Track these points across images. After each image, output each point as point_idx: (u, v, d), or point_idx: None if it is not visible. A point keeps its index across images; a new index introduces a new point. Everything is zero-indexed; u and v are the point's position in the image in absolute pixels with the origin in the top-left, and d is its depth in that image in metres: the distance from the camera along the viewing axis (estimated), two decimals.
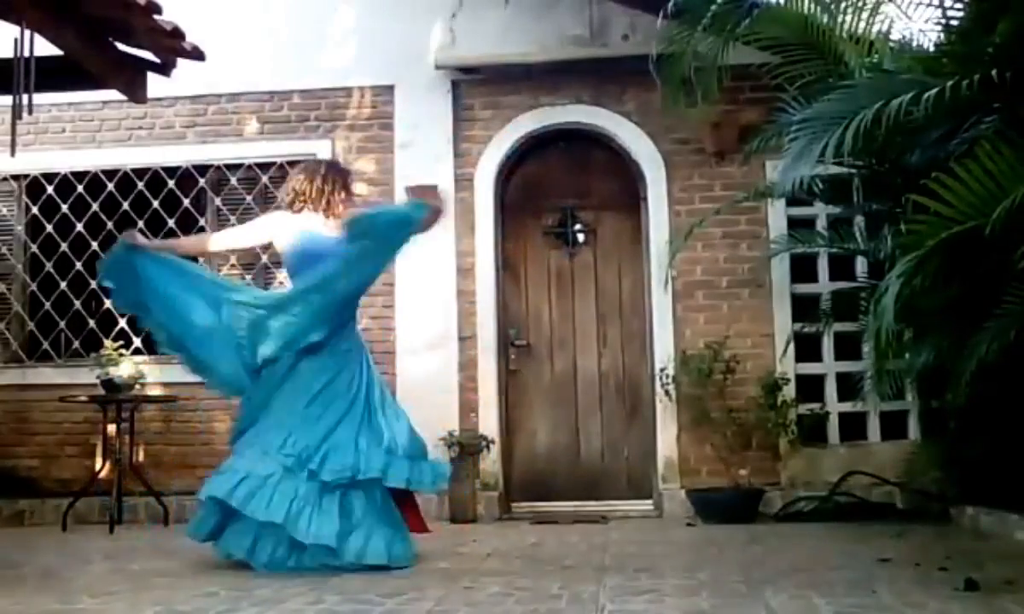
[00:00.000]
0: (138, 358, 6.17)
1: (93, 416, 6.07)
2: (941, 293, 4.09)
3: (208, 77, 5.77)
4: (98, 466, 5.96)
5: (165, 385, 6.21)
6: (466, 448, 5.87)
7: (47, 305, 6.52)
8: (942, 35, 4.51)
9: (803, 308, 6.01)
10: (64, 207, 6.57)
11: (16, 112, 4.38)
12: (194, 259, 4.65)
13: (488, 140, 6.38)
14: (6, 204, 6.71)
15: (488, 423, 6.09)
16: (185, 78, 5.24)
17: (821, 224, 6.02)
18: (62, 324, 6.49)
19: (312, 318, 3.85)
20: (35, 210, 6.62)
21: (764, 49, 5.07)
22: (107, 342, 6.03)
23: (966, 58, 3.80)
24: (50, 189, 6.59)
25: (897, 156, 4.63)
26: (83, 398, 5.88)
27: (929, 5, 4.57)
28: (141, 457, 6.15)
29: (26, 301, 6.62)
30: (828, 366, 6.07)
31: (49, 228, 6.57)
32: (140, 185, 6.52)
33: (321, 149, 6.41)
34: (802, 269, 6.12)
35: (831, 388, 6.04)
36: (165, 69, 4.94)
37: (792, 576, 3.26)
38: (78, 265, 6.50)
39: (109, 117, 6.63)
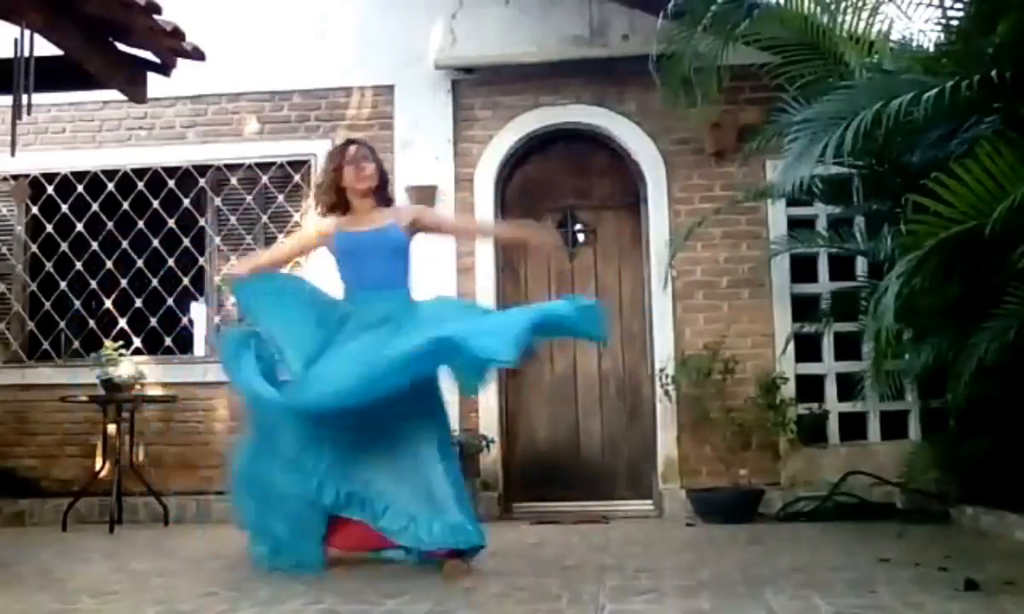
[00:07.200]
0: (138, 358, 6.17)
1: (93, 416, 6.06)
2: (941, 293, 4.10)
3: (208, 77, 5.78)
4: (98, 466, 5.95)
5: (165, 385, 6.21)
6: (466, 448, 5.86)
7: (47, 305, 6.52)
8: (942, 35, 4.52)
9: (803, 308, 6.01)
10: (64, 207, 6.57)
11: (16, 112, 4.38)
12: None
13: (488, 140, 6.38)
14: (6, 204, 6.72)
15: (488, 423, 6.09)
16: (185, 78, 5.25)
17: (821, 224, 6.02)
18: (62, 324, 6.50)
19: None
20: (35, 210, 6.63)
21: (764, 49, 5.07)
22: (107, 342, 6.03)
23: (966, 58, 3.81)
24: (50, 189, 6.60)
25: (897, 156, 4.64)
26: (83, 398, 5.87)
27: (929, 5, 4.58)
28: (141, 457, 6.14)
29: (26, 301, 6.63)
30: (828, 366, 6.07)
31: (49, 228, 6.58)
32: (140, 185, 6.52)
33: (321, 149, 6.41)
34: (802, 269, 6.12)
35: (831, 388, 6.04)
36: (165, 69, 4.94)
37: (792, 576, 3.26)
38: (78, 265, 6.51)
39: (109, 117, 6.63)
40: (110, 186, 6.56)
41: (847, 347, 5.97)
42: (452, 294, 6.18)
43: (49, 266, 6.55)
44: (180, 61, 4.91)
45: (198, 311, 6.75)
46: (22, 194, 6.54)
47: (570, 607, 2.77)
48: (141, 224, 6.50)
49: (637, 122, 6.28)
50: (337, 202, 3.87)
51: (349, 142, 3.98)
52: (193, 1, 5.33)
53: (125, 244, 6.50)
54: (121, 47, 4.78)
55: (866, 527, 4.98)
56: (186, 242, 6.51)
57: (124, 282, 6.50)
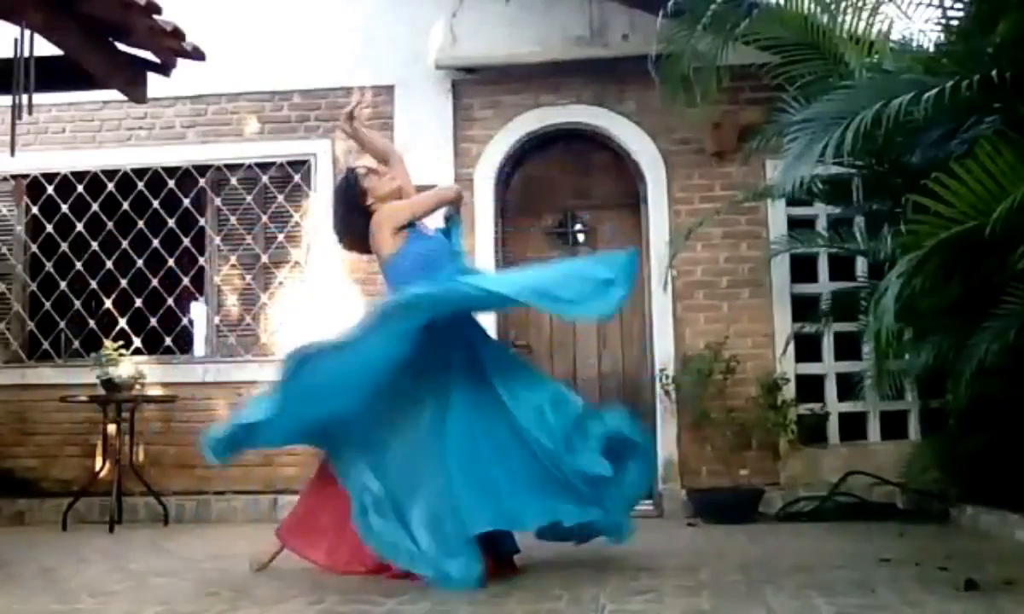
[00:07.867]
0: (138, 358, 6.17)
1: (93, 416, 6.06)
2: (941, 293, 4.09)
3: (208, 77, 5.78)
4: (98, 466, 5.95)
5: (165, 385, 6.21)
6: None
7: (47, 305, 6.52)
8: (942, 35, 4.51)
9: (803, 308, 6.01)
10: (64, 207, 6.57)
11: (16, 112, 4.38)
12: None
13: (488, 140, 6.37)
14: (6, 204, 6.71)
15: None
16: (185, 78, 5.24)
17: (821, 224, 6.02)
18: (62, 324, 6.49)
19: None
20: (35, 210, 6.62)
21: (764, 49, 5.06)
22: (107, 342, 6.03)
23: (966, 58, 3.80)
24: (50, 189, 6.60)
25: (897, 156, 4.63)
26: (83, 398, 5.88)
27: (929, 5, 4.57)
28: (141, 457, 6.14)
29: (26, 301, 6.62)
30: (828, 366, 6.07)
31: (49, 228, 6.57)
32: (140, 185, 6.52)
33: (321, 149, 6.42)
34: (802, 269, 6.12)
35: (831, 388, 6.04)
36: (165, 69, 4.94)
37: (792, 576, 3.26)
38: (78, 265, 6.51)
39: (109, 117, 6.63)
40: (110, 186, 6.56)
41: (847, 347, 5.97)
42: None
43: (49, 266, 6.55)
44: (180, 61, 4.91)
45: (198, 311, 6.75)
46: (19, 194, 6.55)
47: (570, 607, 2.77)
48: (141, 224, 6.49)
49: (637, 122, 6.28)
50: (365, 229, 3.60)
51: (350, 170, 3.83)
52: (193, 1, 5.33)
53: (125, 244, 6.50)
54: (121, 47, 4.78)
55: (866, 527, 4.98)
56: (186, 242, 6.51)
57: (124, 282, 6.50)
